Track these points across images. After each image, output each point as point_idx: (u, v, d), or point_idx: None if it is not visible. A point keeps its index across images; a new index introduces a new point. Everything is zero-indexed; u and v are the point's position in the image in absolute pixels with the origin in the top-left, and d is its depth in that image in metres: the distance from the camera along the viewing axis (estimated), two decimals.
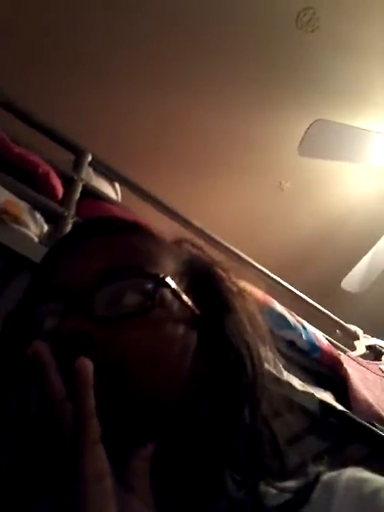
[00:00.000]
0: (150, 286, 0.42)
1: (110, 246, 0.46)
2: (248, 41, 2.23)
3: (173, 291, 0.43)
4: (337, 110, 2.40)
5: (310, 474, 0.42)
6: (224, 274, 0.49)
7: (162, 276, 0.43)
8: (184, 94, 2.43)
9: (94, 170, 1.60)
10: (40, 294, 0.45)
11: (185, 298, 0.44)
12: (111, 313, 0.40)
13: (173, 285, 0.43)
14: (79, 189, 1.40)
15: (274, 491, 0.42)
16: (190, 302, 0.44)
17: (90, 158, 1.55)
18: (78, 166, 1.49)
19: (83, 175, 1.48)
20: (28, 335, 0.42)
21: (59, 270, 0.45)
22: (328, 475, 0.42)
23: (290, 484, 0.42)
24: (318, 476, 0.42)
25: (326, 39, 2.16)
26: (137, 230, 0.48)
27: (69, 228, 1.27)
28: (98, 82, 2.39)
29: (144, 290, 0.41)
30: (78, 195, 1.38)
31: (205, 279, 0.47)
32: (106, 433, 0.34)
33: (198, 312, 0.44)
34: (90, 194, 1.46)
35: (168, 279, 0.43)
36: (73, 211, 1.31)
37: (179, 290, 0.44)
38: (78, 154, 1.54)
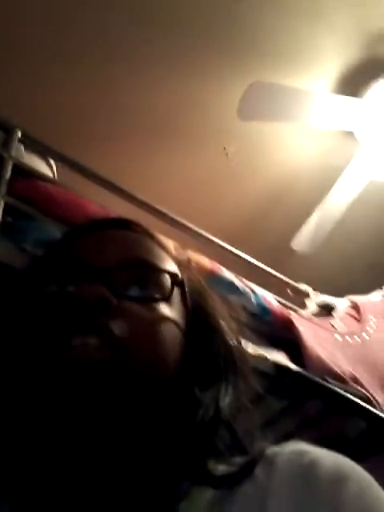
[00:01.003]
0: (166, 281, 0.49)
1: (131, 239, 0.52)
2: (178, 8, 2.16)
3: (182, 292, 0.51)
4: (274, 72, 2.37)
5: (256, 450, 0.44)
6: (210, 298, 0.56)
7: (179, 277, 0.51)
8: (116, 66, 2.34)
9: (26, 147, 1.52)
10: (59, 263, 0.50)
11: (187, 303, 0.52)
12: (128, 291, 0.46)
13: (186, 287, 0.51)
14: (9, 167, 1.33)
15: (221, 467, 0.43)
16: (187, 308, 0.51)
17: (19, 134, 1.48)
18: (6, 143, 1.42)
19: (13, 153, 1.40)
20: (42, 294, 0.48)
21: (81, 248, 0.51)
22: (271, 450, 0.44)
23: (238, 460, 0.44)
24: (262, 451, 0.44)
25: (256, 2, 2.12)
26: (152, 236, 0.55)
27: (1, 209, 1.21)
28: (26, 56, 2.27)
29: (160, 283, 0.49)
30: (8, 174, 1.31)
31: (197, 301, 0.54)
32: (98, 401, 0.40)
33: (189, 318, 0.51)
34: (23, 172, 1.39)
35: (182, 282, 0.51)
36: (4, 191, 1.25)
37: (187, 299, 0.51)
38: (7, 130, 1.46)
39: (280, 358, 1.37)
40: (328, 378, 1.37)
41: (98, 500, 0.42)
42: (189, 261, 0.62)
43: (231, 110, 2.39)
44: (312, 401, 1.41)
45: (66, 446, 0.43)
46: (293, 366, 1.35)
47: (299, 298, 2.01)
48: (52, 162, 1.62)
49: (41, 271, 0.51)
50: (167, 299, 0.48)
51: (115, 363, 0.42)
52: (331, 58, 2.35)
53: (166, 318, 0.47)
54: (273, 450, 0.44)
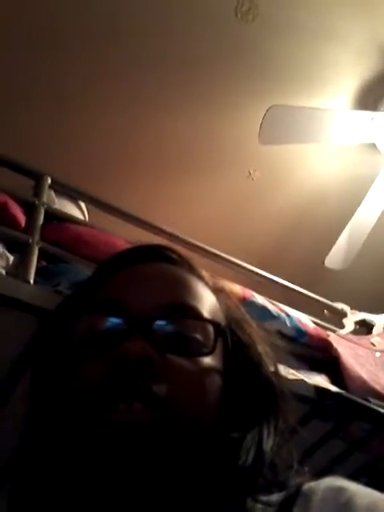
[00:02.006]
0: (210, 331, 0.46)
1: (169, 277, 0.48)
2: (191, 41, 2.22)
3: (224, 342, 0.48)
4: (292, 94, 2.40)
5: (293, 487, 0.43)
6: (249, 327, 0.53)
7: (222, 327, 0.48)
8: (137, 100, 2.42)
9: (56, 192, 1.59)
10: (97, 305, 0.47)
11: (228, 347, 0.48)
12: (171, 345, 0.44)
13: (228, 338, 0.48)
14: (42, 214, 1.39)
15: (259, 506, 0.42)
16: (228, 351, 0.49)
17: (49, 181, 1.54)
18: (38, 190, 1.48)
19: (44, 199, 1.46)
20: (71, 341, 0.46)
21: (115, 287, 0.47)
22: (307, 486, 0.43)
23: (274, 497, 0.43)
24: (299, 487, 0.42)
25: (267, 26, 2.17)
26: (191, 268, 0.51)
27: (35, 255, 1.26)
28: (48, 104, 2.37)
29: (205, 334, 0.45)
30: (41, 220, 1.37)
31: (235, 331, 0.51)
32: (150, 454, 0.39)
33: (229, 358, 0.49)
34: (54, 217, 1.45)
35: (224, 330, 0.48)
36: (37, 237, 1.30)
37: (229, 342, 0.48)
38: (37, 178, 1.53)
39: (320, 380, 1.36)
40: (370, 398, 1.35)
41: None
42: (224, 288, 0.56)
43: (253, 134, 2.43)
44: (356, 422, 1.38)
45: (115, 494, 0.42)
46: (333, 388, 1.34)
47: (336, 318, 1.98)
48: (82, 204, 1.68)
49: (73, 319, 0.48)
50: (211, 352, 0.45)
51: (159, 423, 0.41)
52: (347, 74, 2.37)
53: (209, 371, 0.45)
54: (309, 486, 0.42)
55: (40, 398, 0.48)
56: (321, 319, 1.83)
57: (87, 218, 1.73)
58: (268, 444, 0.45)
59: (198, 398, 0.43)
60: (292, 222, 2.96)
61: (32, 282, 1.16)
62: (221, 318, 0.50)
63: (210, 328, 0.46)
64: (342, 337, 1.66)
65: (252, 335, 0.51)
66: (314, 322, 1.69)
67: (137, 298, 0.46)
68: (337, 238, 2.55)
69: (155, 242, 0.54)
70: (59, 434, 0.45)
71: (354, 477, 0.44)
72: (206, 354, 0.45)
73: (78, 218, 1.55)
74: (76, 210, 1.62)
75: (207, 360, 0.45)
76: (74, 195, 1.62)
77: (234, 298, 0.55)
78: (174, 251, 0.53)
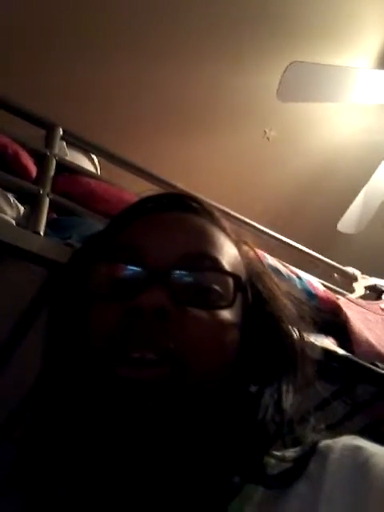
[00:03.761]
0: (230, 285, 0.44)
1: (191, 227, 0.47)
2: None
3: (244, 296, 0.46)
4: (312, 51, 2.31)
5: (309, 444, 0.42)
6: (270, 281, 0.51)
7: (242, 280, 0.46)
8: (153, 53, 2.35)
9: (68, 143, 1.55)
10: (115, 253, 0.46)
11: (248, 301, 0.47)
12: (189, 297, 0.42)
13: (248, 291, 0.46)
14: (53, 165, 1.36)
15: (273, 461, 0.42)
16: (247, 305, 0.47)
17: (61, 131, 1.51)
18: (49, 141, 1.45)
19: (56, 150, 1.43)
20: (87, 288, 0.45)
21: (135, 235, 0.46)
22: (324, 443, 0.42)
23: (289, 453, 0.42)
24: (315, 445, 0.42)
25: None
26: (213, 219, 0.49)
27: (46, 207, 1.24)
28: (65, 55, 2.30)
29: (224, 286, 0.44)
30: (52, 172, 1.35)
31: (256, 285, 0.49)
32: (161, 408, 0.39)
33: (248, 312, 0.47)
34: (66, 169, 1.42)
35: (245, 284, 0.46)
36: (48, 188, 1.28)
37: (249, 296, 0.47)
38: (49, 128, 1.50)
39: (328, 343, 1.36)
40: (378, 363, 1.35)
41: (154, 495, 0.42)
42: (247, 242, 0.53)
43: (271, 92, 2.36)
44: (362, 386, 1.39)
45: (125, 447, 0.42)
46: (341, 351, 1.34)
47: (347, 282, 1.97)
48: (94, 157, 1.65)
49: (90, 264, 0.46)
50: (230, 305, 0.44)
51: (172, 379, 0.40)
52: (372, 32, 2.27)
53: (227, 325, 0.43)
54: (326, 443, 0.42)
55: (53, 345, 0.48)
56: (331, 283, 1.81)
57: (99, 173, 1.70)
58: (287, 400, 0.45)
59: (214, 352, 0.42)
60: (306, 184, 2.91)
61: (42, 233, 1.15)
62: (242, 271, 0.48)
63: (230, 281, 0.45)
64: (352, 301, 1.65)
65: (273, 290, 0.50)
66: (325, 286, 1.68)
67: (157, 246, 0.44)
68: (351, 202, 2.51)
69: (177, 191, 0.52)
70: (71, 383, 0.45)
71: None
72: (225, 307, 0.44)
73: (90, 171, 1.52)
74: (88, 164, 1.59)
75: (226, 313, 0.44)
76: (86, 148, 1.59)
77: (256, 251, 0.53)
78: (197, 201, 0.51)
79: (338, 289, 1.77)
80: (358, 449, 0.40)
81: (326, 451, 0.41)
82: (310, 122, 2.67)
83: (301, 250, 1.94)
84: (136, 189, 1.58)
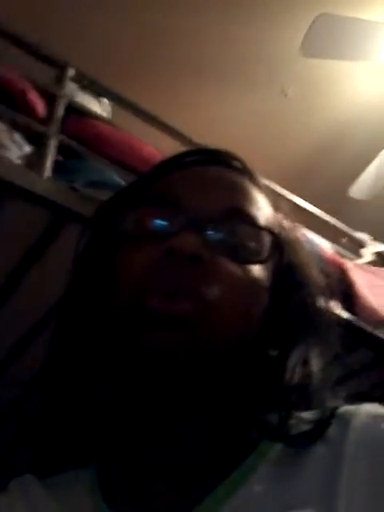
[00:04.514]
0: (266, 240, 0.44)
1: (230, 183, 0.47)
2: None
3: (277, 257, 0.46)
4: (343, 3, 2.20)
5: (328, 407, 0.42)
6: (304, 253, 0.51)
7: (279, 239, 0.46)
8: (172, 3, 2.24)
9: (79, 85, 1.50)
10: (151, 199, 0.46)
11: (282, 261, 0.47)
12: (223, 248, 0.42)
13: (282, 253, 0.46)
14: (62, 106, 1.32)
15: (293, 421, 0.42)
16: (280, 266, 0.47)
17: (72, 72, 1.46)
18: (59, 81, 1.41)
19: (66, 91, 1.39)
20: (119, 230, 0.45)
21: (174, 185, 0.46)
22: (344, 409, 0.42)
23: (308, 415, 0.42)
24: (334, 409, 0.41)
25: None
26: (253, 178, 0.49)
27: (53, 148, 1.21)
28: None
29: (260, 242, 0.44)
30: (61, 113, 1.31)
31: (288, 250, 0.49)
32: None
33: (279, 274, 0.47)
34: (75, 111, 1.38)
35: (280, 243, 0.46)
36: (56, 129, 1.24)
37: (281, 258, 0.46)
38: (60, 68, 1.45)
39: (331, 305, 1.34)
40: (380, 328, 1.34)
41: (176, 451, 0.42)
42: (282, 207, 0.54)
43: (293, 46, 2.26)
44: (361, 349, 1.39)
45: (150, 403, 0.43)
46: (344, 314, 1.33)
47: (355, 247, 1.94)
48: (106, 102, 1.60)
49: (125, 207, 0.46)
50: (264, 262, 0.44)
51: (201, 321, 0.40)
52: None
53: (259, 280, 0.43)
54: (347, 409, 0.42)
55: (80, 284, 0.47)
56: (340, 246, 1.79)
57: (110, 118, 1.65)
58: (316, 365, 0.44)
59: (244, 305, 0.42)
60: (322, 145, 2.84)
61: (48, 175, 1.12)
62: (277, 233, 0.48)
63: (267, 237, 0.44)
64: (359, 266, 1.63)
65: (304, 258, 0.49)
66: (333, 250, 1.66)
67: (195, 197, 0.44)
68: (366, 167, 2.45)
69: (217, 147, 0.51)
70: (96, 327, 0.45)
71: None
72: (259, 263, 0.43)
73: (100, 115, 1.48)
74: (99, 108, 1.54)
75: (258, 269, 0.43)
76: (98, 91, 1.54)
77: (290, 218, 0.52)
78: (237, 159, 0.50)
79: (346, 253, 1.75)
80: (382, 417, 0.40)
81: (348, 417, 0.41)
82: (331, 81, 2.57)
83: (311, 212, 1.90)
84: (147, 138, 1.54)
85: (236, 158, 0.50)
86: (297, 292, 0.47)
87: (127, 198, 0.49)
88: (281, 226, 0.49)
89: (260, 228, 0.45)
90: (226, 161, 0.49)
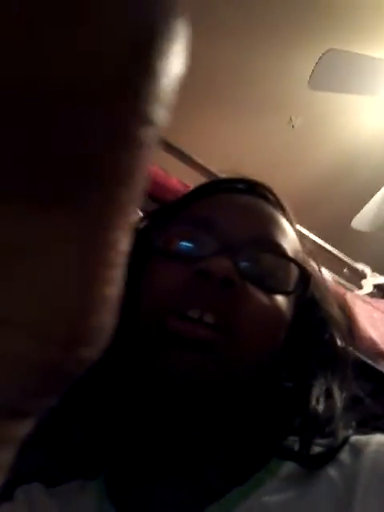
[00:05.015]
0: (292, 274, 0.45)
1: (263, 213, 0.48)
2: None
3: (301, 291, 0.47)
4: (350, 40, 2.26)
5: (341, 436, 0.43)
6: (324, 288, 0.53)
7: (305, 273, 0.47)
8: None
9: None
10: (185, 219, 0.47)
11: (305, 295, 0.48)
12: (254, 275, 0.43)
13: (311, 286, 0.47)
14: None
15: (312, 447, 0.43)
16: (302, 300, 0.48)
17: None
18: None
19: None
20: (153, 245, 0.45)
21: (208, 209, 0.47)
22: (356, 438, 0.43)
23: (322, 441, 0.43)
24: (346, 438, 0.43)
25: None
26: (285, 212, 0.51)
27: None
28: None
29: (288, 274, 0.45)
30: None
31: (312, 285, 0.50)
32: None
33: (299, 310, 0.48)
34: None
35: (307, 277, 0.47)
36: None
37: (305, 293, 0.47)
38: None
39: None
40: (380, 360, 1.35)
41: (187, 454, 0.43)
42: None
43: (301, 79, 2.31)
44: (359, 381, 1.39)
45: (163, 416, 0.43)
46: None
47: (356, 278, 1.96)
48: None
49: (160, 225, 0.47)
50: (290, 293, 0.45)
51: (223, 345, 0.40)
52: None
53: (283, 311, 0.44)
54: (358, 438, 0.43)
55: None
56: (340, 277, 1.80)
57: None
58: (337, 397, 0.45)
59: (268, 334, 0.43)
60: (327, 176, 2.88)
61: None
62: (304, 266, 0.49)
63: (294, 270, 0.46)
64: (359, 297, 1.64)
65: (326, 295, 0.51)
66: (333, 280, 1.67)
67: (229, 222, 0.45)
68: (370, 199, 2.48)
69: (254, 178, 0.53)
70: (117, 341, 0.45)
71: None
72: (285, 293, 0.45)
73: None
74: None
75: (282, 300, 0.44)
76: None
77: (314, 258, 0.54)
78: (271, 192, 0.52)
79: (346, 284, 1.77)
80: None
81: (360, 445, 0.42)
82: (338, 114, 2.62)
83: (314, 242, 1.92)
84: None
85: (271, 191, 0.52)
86: (318, 328, 0.48)
87: (161, 218, 0.50)
88: (306, 262, 0.51)
89: (289, 259, 0.46)
90: (261, 192, 0.51)
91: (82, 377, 0.46)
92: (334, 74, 2.01)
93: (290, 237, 0.48)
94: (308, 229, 1.94)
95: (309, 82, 2.05)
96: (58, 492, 0.47)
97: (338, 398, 0.45)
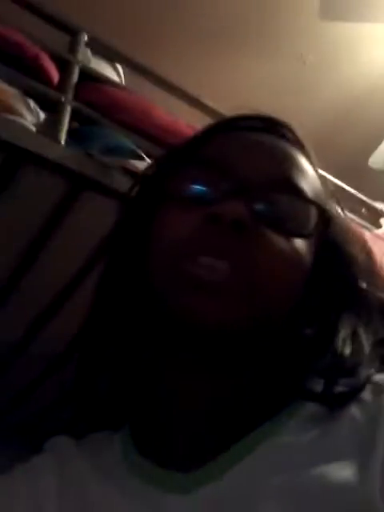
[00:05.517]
0: (313, 214, 0.43)
1: (282, 153, 0.46)
2: None
3: (322, 232, 0.45)
4: None
5: (365, 375, 0.42)
6: (347, 228, 0.51)
7: (326, 214, 0.45)
8: None
9: (92, 51, 1.47)
10: (198, 160, 0.45)
11: (327, 237, 0.46)
12: (269, 218, 0.41)
13: (332, 228, 0.46)
14: (76, 72, 1.30)
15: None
16: (324, 241, 0.46)
17: (86, 38, 1.42)
18: (73, 47, 1.37)
19: (80, 57, 1.36)
20: (164, 190, 0.44)
21: (223, 148, 0.45)
22: (378, 377, 0.42)
23: (345, 380, 0.42)
24: (368, 377, 0.42)
25: None
26: (305, 150, 0.48)
27: (68, 115, 1.19)
28: None
29: (306, 215, 0.43)
30: (75, 79, 1.28)
31: (333, 226, 0.48)
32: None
33: (321, 249, 0.46)
34: (89, 77, 1.36)
35: (328, 219, 0.45)
36: (71, 96, 1.22)
37: (327, 234, 0.46)
38: (73, 33, 1.41)
39: None
40: None
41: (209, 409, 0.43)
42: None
43: (312, 10, 2.19)
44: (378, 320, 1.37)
45: (184, 360, 0.43)
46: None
47: (374, 217, 1.91)
48: (119, 67, 1.57)
49: (171, 169, 0.45)
50: (309, 236, 0.43)
51: (241, 289, 0.39)
52: None
53: (302, 255, 0.42)
54: (380, 377, 0.42)
55: (118, 245, 0.48)
56: (358, 217, 1.76)
57: (124, 83, 1.62)
58: (365, 339, 0.44)
59: (285, 278, 0.42)
60: (341, 113, 2.77)
61: (63, 142, 1.11)
62: (324, 208, 0.47)
63: (313, 211, 0.44)
64: (378, 236, 1.60)
65: (350, 237, 0.49)
66: (352, 220, 1.63)
67: (244, 163, 0.43)
68: None
69: (271, 115, 0.50)
70: (133, 289, 0.45)
71: None
72: (304, 236, 0.43)
73: (114, 81, 1.45)
74: (113, 74, 1.51)
75: (302, 243, 0.43)
76: (111, 56, 1.51)
77: (337, 197, 0.51)
78: (291, 130, 0.49)
79: (364, 223, 1.73)
80: None
81: (383, 384, 0.41)
82: (352, 47, 2.49)
83: (330, 182, 1.87)
84: (160, 104, 1.51)
85: (290, 129, 0.48)
86: (341, 270, 0.46)
87: (173, 159, 0.48)
88: (327, 202, 0.48)
89: (308, 201, 0.44)
90: (279, 130, 0.48)
91: (103, 329, 0.45)
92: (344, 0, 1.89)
93: (311, 178, 0.46)
94: (322, 168, 1.88)
95: (319, 11, 1.93)
96: (85, 443, 0.47)
97: (365, 340, 0.44)
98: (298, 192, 0.43)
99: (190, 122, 1.43)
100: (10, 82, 1.11)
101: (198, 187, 0.43)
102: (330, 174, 1.91)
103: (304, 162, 0.46)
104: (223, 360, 0.42)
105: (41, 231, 1.13)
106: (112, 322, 0.46)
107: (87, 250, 1.12)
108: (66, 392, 1.35)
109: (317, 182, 0.47)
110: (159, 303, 0.41)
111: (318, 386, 0.42)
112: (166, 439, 0.43)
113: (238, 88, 2.60)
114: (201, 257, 0.39)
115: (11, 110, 1.05)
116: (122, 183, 1.05)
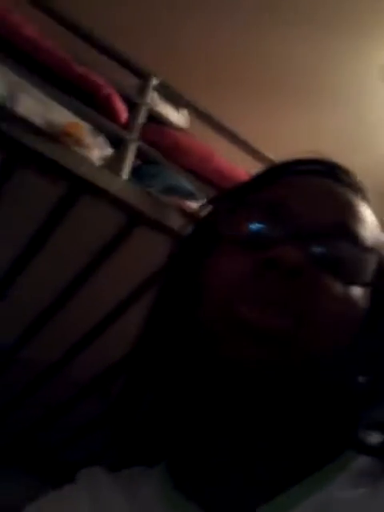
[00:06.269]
0: (370, 265, 0.42)
1: (342, 199, 0.45)
2: None
3: (378, 283, 0.43)
4: None
5: None
6: None
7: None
8: (260, 17, 2.26)
9: (160, 95, 1.54)
10: (257, 202, 0.44)
11: (380, 288, 0.44)
12: (326, 264, 0.40)
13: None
14: (143, 113, 1.35)
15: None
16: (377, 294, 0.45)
17: (155, 82, 1.49)
18: (142, 90, 1.44)
19: (148, 100, 1.42)
20: (218, 231, 0.44)
21: (282, 192, 0.44)
22: None
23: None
24: None
25: None
26: (364, 196, 0.47)
27: (132, 153, 1.24)
28: (167, 2, 2.27)
29: (364, 264, 0.42)
30: (142, 120, 1.34)
31: None
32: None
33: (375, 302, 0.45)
34: (155, 119, 1.41)
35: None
36: (136, 135, 1.27)
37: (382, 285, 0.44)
38: (143, 77, 1.49)
39: None
40: None
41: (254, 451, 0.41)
42: None
43: (375, 71, 2.22)
44: None
45: (227, 407, 0.42)
46: None
47: None
48: (185, 112, 1.63)
49: (227, 209, 0.44)
50: (367, 285, 0.42)
51: (294, 337, 0.38)
52: None
53: (358, 303, 0.41)
54: None
55: (170, 284, 0.47)
56: None
57: (188, 128, 1.68)
58: None
59: (340, 327, 0.40)
60: None
61: (125, 177, 1.14)
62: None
63: (373, 260, 0.42)
64: None
65: None
66: None
67: (302, 206, 0.42)
68: None
69: (333, 160, 0.48)
70: (182, 331, 0.44)
71: None
72: (361, 285, 0.41)
73: (179, 125, 1.50)
74: (177, 118, 1.57)
75: (358, 291, 0.41)
76: (178, 101, 1.57)
77: None
78: (350, 174, 0.48)
79: None
80: None
81: None
82: None
83: None
84: (220, 152, 1.55)
85: (349, 174, 0.47)
86: None
87: (230, 200, 0.47)
88: None
89: (368, 249, 0.42)
90: (339, 175, 0.47)
91: (148, 364, 0.44)
92: None
93: (369, 224, 0.44)
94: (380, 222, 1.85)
95: (380, 74, 1.95)
96: (120, 476, 0.46)
97: None
98: (357, 239, 0.42)
99: (248, 169, 1.45)
100: (83, 118, 1.17)
101: (255, 229, 0.42)
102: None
103: (364, 208, 0.45)
104: (270, 406, 0.41)
105: (94, 260, 1.16)
106: (159, 354, 0.45)
107: (136, 281, 1.14)
108: (102, 422, 1.37)
109: (376, 230, 0.45)
110: (209, 344, 0.40)
111: (372, 438, 0.40)
112: (210, 483, 0.42)
113: (297, 141, 2.63)
114: (256, 302, 0.38)
115: (81, 144, 1.10)
116: (177, 221, 1.07)
